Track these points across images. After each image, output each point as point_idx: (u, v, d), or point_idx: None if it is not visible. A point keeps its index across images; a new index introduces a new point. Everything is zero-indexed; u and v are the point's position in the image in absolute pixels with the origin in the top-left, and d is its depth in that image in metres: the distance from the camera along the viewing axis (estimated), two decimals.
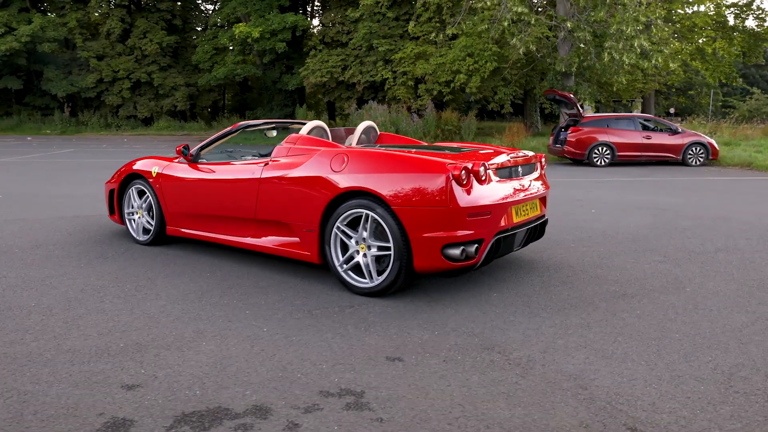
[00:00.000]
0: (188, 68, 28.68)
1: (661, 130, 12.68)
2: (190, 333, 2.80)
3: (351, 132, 4.71)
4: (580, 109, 12.94)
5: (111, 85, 27.75)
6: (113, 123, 28.11)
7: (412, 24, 19.62)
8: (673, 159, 12.44)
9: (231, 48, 26.45)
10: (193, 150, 4.51)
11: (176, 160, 4.59)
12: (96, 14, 26.71)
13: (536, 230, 3.86)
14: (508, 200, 3.42)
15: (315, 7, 32.24)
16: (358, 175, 3.37)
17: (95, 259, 4.22)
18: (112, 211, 5.03)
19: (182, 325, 2.92)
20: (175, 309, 3.15)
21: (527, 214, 3.65)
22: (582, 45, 14.83)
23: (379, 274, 3.36)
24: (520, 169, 3.77)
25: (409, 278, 3.34)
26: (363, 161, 3.42)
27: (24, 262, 4.12)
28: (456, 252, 3.15)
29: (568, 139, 12.75)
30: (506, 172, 3.62)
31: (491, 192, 3.35)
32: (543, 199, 3.94)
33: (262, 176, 3.84)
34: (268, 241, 3.88)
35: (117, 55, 27.52)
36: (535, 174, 3.98)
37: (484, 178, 3.31)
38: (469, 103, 26.60)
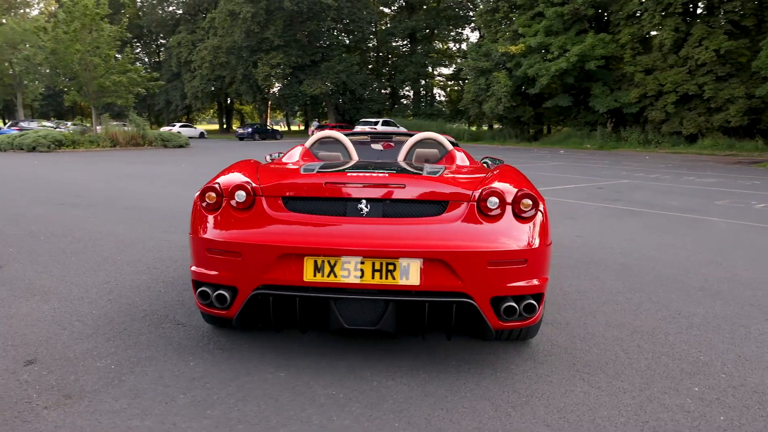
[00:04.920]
0: (755, 77, 25.32)
1: None
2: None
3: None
4: None
5: (655, 99, 28.10)
6: (653, 139, 28.44)
7: None
8: None
9: None
10: None
11: None
12: (649, 26, 27.45)
13: (430, 310, 2.41)
14: (301, 245, 2.39)
15: None
16: None
17: None
18: None
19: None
20: (113, 292, 4.05)
21: (364, 276, 2.37)
22: None
23: None
24: (364, 204, 2.45)
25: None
26: None
27: None
28: (198, 291, 2.61)
29: None
30: (318, 205, 2.50)
31: (256, 227, 2.48)
32: (445, 263, 2.35)
33: None
34: None
35: (668, 68, 27.46)
36: (449, 219, 2.42)
37: (246, 205, 2.52)
38: None
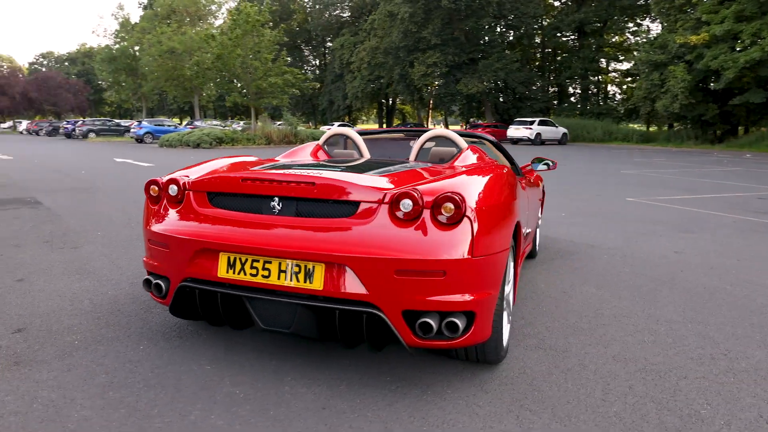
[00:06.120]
0: None
1: None
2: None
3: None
4: None
5: None
6: None
7: None
8: None
9: None
10: None
11: None
12: None
13: (342, 318, 2.30)
14: (214, 240, 2.42)
15: None
16: None
17: None
18: None
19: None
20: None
21: (271, 277, 2.32)
22: None
23: None
24: (277, 202, 2.39)
25: None
26: None
27: None
28: (144, 279, 2.77)
29: None
30: (237, 202, 2.51)
31: (181, 221, 2.58)
32: (349, 269, 2.22)
33: None
34: None
35: None
36: (357, 222, 2.27)
37: (177, 199, 2.65)
38: None
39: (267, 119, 29.84)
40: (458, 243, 2.21)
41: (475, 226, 2.25)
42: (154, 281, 2.65)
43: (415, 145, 3.73)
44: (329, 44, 61.44)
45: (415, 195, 2.21)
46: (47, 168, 13.98)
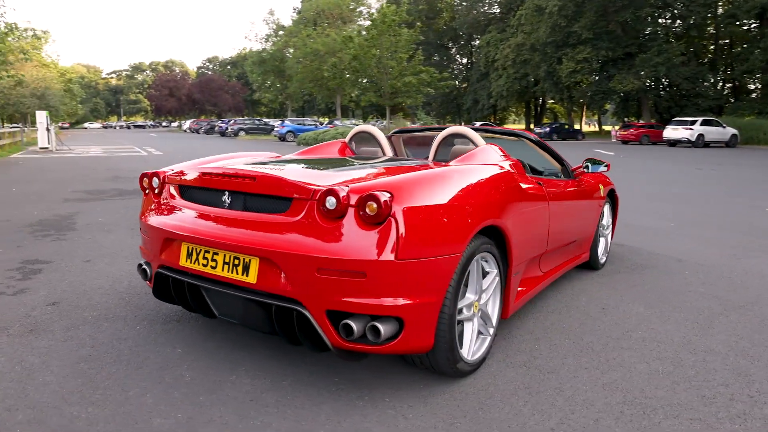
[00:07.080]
0: None
1: None
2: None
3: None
4: None
5: None
6: None
7: None
8: None
9: None
10: None
11: None
12: None
13: (279, 314, 2.37)
14: (176, 231, 2.60)
15: None
16: None
17: None
18: None
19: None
20: None
21: (217, 268, 2.45)
22: None
23: None
24: (227, 196, 2.53)
25: None
26: None
27: None
28: (138, 263, 3.06)
29: None
30: (199, 195, 2.70)
31: (158, 211, 2.86)
32: (276, 264, 2.28)
33: None
34: None
35: None
36: (288, 217, 2.31)
37: (158, 191, 2.92)
38: None
39: (401, 118, 30.50)
40: (380, 244, 2.16)
41: (402, 227, 2.18)
42: (142, 266, 2.92)
43: (433, 144, 3.66)
44: (476, 42, 60.98)
45: (340, 193, 2.20)
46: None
